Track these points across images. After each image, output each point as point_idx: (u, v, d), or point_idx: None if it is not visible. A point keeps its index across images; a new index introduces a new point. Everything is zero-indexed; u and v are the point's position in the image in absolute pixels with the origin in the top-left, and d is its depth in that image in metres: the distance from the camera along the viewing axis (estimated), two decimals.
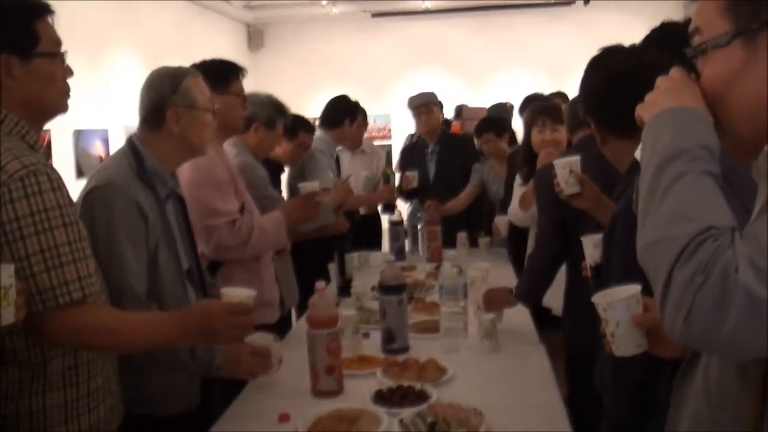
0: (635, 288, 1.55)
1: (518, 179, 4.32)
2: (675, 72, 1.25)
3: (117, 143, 8.33)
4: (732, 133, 1.18)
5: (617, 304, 1.55)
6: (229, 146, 3.44)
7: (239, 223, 3.05)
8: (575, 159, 2.65)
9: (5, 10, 1.89)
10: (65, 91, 2.00)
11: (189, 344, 2.22)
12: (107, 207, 2.26)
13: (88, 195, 2.29)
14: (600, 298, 1.57)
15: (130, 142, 2.47)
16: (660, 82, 1.26)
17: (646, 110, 1.24)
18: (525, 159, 4.13)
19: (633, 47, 2.15)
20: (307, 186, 3.58)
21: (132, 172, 2.36)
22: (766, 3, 1.11)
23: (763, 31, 1.11)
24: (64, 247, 1.80)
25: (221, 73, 3.12)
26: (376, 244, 5.26)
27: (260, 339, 2.52)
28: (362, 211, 5.54)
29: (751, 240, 0.99)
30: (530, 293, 3.12)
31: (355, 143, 5.84)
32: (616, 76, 2.04)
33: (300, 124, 4.52)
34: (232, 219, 3.03)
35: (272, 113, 3.83)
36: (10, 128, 1.87)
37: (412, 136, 7.57)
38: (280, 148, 4.39)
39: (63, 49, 1.99)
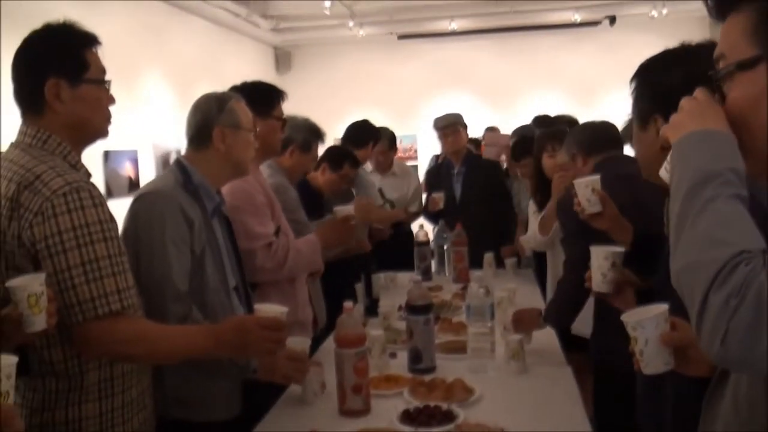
0: (663, 307, 1.57)
1: (532, 206, 4.33)
2: (700, 93, 1.26)
3: (146, 164, 8.42)
4: (757, 155, 1.19)
5: (646, 323, 1.57)
6: (263, 167, 3.48)
7: (275, 245, 3.08)
8: (596, 178, 2.64)
9: (59, 37, 2.01)
10: (108, 117, 2.11)
11: (222, 356, 2.26)
12: (151, 210, 2.39)
13: (134, 203, 2.44)
14: (629, 317, 1.59)
15: (178, 161, 2.61)
16: (684, 103, 1.27)
17: (672, 132, 1.25)
18: (537, 186, 4.14)
19: (710, 43, 1.95)
20: (343, 210, 3.60)
21: (178, 184, 2.49)
22: None
23: None
24: (104, 261, 1.87)
25: (264, 97, 3.19)
26: (406, 264, 5.23)
27: (298, 343, 2.56)
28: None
29: None
30: (560, 317, 3.12)
31: (383, 166, 5.90)
32: (695, 74, 1.78)
33: (345, 157, 4.57)
34: (269, 242, 3.06)
35: (308, 136, 3.90)
36: (53, 148, 1.97)
37: (437, 157, 7.57)
38: (323, 177, 4.43)
39: (107, 77, 2.07)
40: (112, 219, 1.96)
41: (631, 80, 1.99)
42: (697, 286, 1.06)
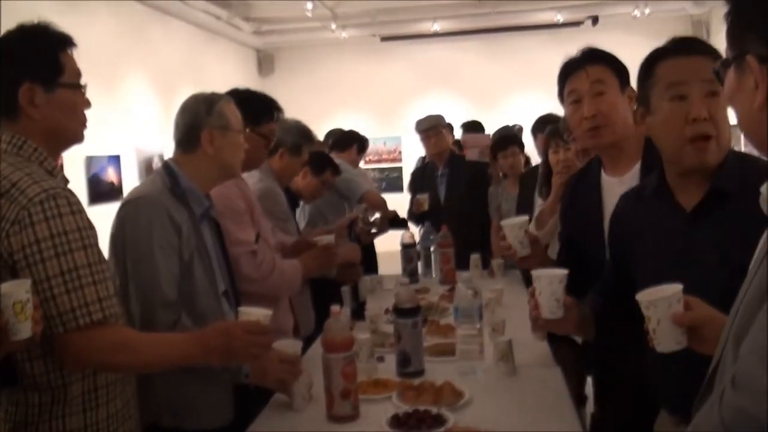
0: (677, 287, 1.63)
1: (538, 199, 4.32)
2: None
3: (129, 169, 8.38)
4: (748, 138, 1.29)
5: (659, 302, 1.63)
6: (253, 171, 3.45)
7: (261, 256, 3.04)
8: (525, 219, 2.63)
9: (32, 40, 1.95)
10: (84, 122, 2.06)
11: (208, 362, 2.22)
12: (138, 216, 2.36)
13: (120, 209, 2.41)
14: (643, 296, 1.66)
15: (165, 164, 2.57)
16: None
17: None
18: (547, 178, 4.15)
19: None
20: (324, 239, 3.56)
21: (166, 189, 2.45)
22: (746, 34, 1.21)
23: (746, 59, 1.20)
24: (84, 269, 1.83)
25: (254, 108, 3.12)
26: (373, 270, 5.28)
27: (289, 346, 2.53)
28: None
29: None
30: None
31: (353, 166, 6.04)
32: None
33: (328, 163, 4.63)
34: (252, 249, 3.02)
35: (298, 139, 3.87)
36: (29, 154, 1.92)
37: (423, 158, 7.59)
38: (303, 181, 4.42)
39: (83, 81, 2.03)
40: (90, 226, 1.91)
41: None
42: None
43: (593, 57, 2.52)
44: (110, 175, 8.03)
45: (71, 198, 1.88)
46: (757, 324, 1.06)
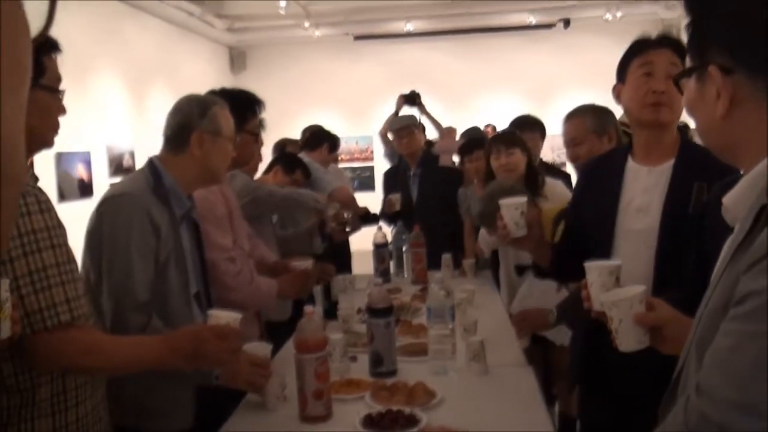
0: (639, 288, 1.68)
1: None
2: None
3: (99, 166, 8.29)
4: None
5: (620, 303, 1.67)
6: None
7: (240, 265, 3.03)
8: (524, 200, 2.65)
9: None
10: (56, 128, 2.01)
11: (178, 366, 2.20)
12: (118, 215, 2.33)
13: (100, 204, 2.37)
14: (606, 297, 1.72)
15: (150, 161, 2.55)
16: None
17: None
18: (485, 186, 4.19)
19: None
20: (300, 265, 3.51)
21: (149, 187, 2.43)
22: (707, 44, 1.23)
23: (708, 69, 1.21)
24: (52, 269, 1.79)
25: (239, 109, 3.11)
26: (347, 269, 5.28)
27: (259, 348, 2.51)
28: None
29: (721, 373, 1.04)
30: (576, 316, 3.11)
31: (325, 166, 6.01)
32: None
33: (298, 165, 4.71)
34: (230, 255, 3.01)
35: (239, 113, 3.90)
36: None
37: (400, 157, 7.61)
38: (275, 179, 4.44)
39: (62, 87, 2.00)
40: (60, 225, 1.88)
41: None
42: None
43: (672, 44, 2.54)
44: (80, 172, 7.95)
45: (40, 196, 1.84)
46: (720, 333, 1.08)
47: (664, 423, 1.18)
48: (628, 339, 1.67)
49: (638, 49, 2.52)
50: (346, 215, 5.22)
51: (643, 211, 2.47)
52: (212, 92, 3.03)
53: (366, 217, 5.55)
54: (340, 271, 4.60)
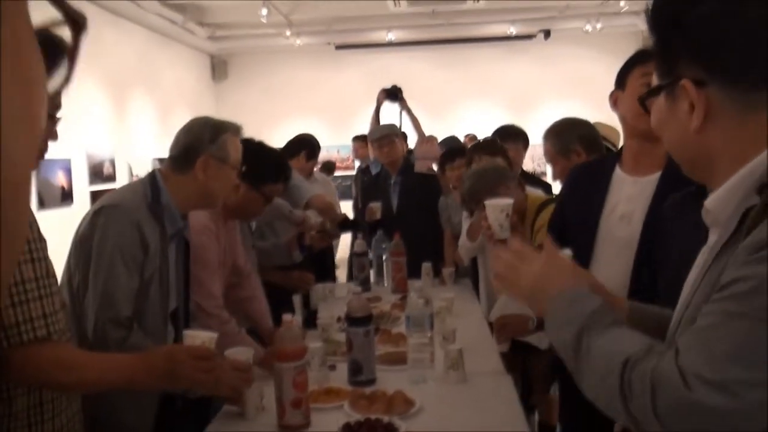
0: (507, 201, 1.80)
1: (465, 213, 4.39)
2: (536, 261, 1.49)
3: (79, 174, 8.24)
4: (680, 163, 1.34)
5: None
6: None
7: (228, 316, 3.05)
8: (510, 202, 2.66)
9: None
10: (44, 152, 2.01)
11: (153, 386, 2.19)
12: (110, 225, 2.33)
13: (95, 213, 2.37)
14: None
15: (152, 175, 2.55)
16: (527, 272, 1.48)
17: (534, 305, 1.49)
18: None
19: None
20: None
21: (144, 202, 2.43)
22: (677, 59, 1.24)
23: (678, 85, 1.23)
24: (30, 283, 1.78)
25: (263, 168, 3.22)
26: (329, 278, 5.25)
27: (241, 353, 2.48)
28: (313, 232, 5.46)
29: (699, 350, 1.08)
30: None
31: (303, 174, 5.97)
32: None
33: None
34: (220, 304, 3.04)
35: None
36: None
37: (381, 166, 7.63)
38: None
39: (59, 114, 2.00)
40: (41, 238, 1.87)
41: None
42: (620, 413, 1.17)
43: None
44: (60, 179, 7.89)
45: None
46: (701, 314, 1.12)
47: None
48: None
49: (641, 58, 2.55)
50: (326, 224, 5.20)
51: (626, 220, 2.50)
52: (247, 142, 3.02)
53: (345, 224, 5.53)
54: (320, 280, 4.60)
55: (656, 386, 1.09)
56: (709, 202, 1.25)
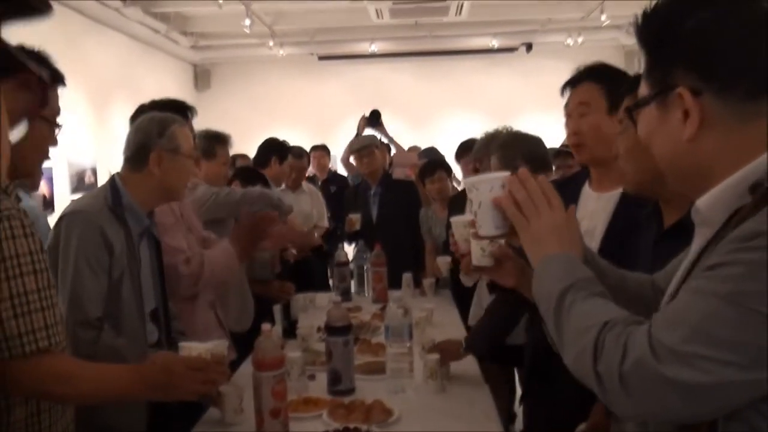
0: (503, 174, 1.65)
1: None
2: (560, 214, 1.49)
3: (61, 182, 8.21)
4: (668, 177, 1.32)
5: (480, 184, 1.65)
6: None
7: (190, 256, 3.08)
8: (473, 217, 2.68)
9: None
10: (46, 158, 2.05)
11: (149, 397, 2.20)
12: (71, 232, 2.38)
13: (58, 222, 2.42)
14: (469, 179, 1.70)
15: (112, 179, 2.59)
16: (549, 218, 1.47)
17: (532, 248, 1.47)
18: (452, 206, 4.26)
19: None
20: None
21: (106, 205, 2.48)
22: (671, 69, 1.24)
23: (672, 94, 1.23)
24: (33, 294, 1.78)
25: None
26: (311, 288, 5.21)
27: (215, 345, 2.30)
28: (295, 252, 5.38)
29: (674, 324, 1.11)
30: (482, 345, 3.15)
31: (295, 183, 5.95)
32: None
33: (257, 178, 4.74)
34: (186, 256, 3.06)
35: (207, 143, 3.99)
36: None
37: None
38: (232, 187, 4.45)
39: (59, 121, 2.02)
40: (42, 249, 1.87)
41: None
42: (586, 370, 1.19)
43: (589, 75, 2.59)
44: (42, 187, 7.85)
45: (24, 220, 1.83)
46: (679, 294, 1.16)
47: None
48: (486, 222, 1.65)
49: (563, 91, 2.64)
50: (292, 251, 5.11)
51: (588, 235, 2.51)
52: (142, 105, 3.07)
53: (318, 251, 5.48)
54: (302, 290, 4.61)
55: (628, 349, 1.12)
56: (701, 201, 1.25)
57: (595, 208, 2.54)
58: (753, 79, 1.18)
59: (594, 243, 2.48)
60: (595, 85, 2.55)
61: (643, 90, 1.32)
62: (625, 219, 2.40)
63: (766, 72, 1.19)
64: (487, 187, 1.63)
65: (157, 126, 2.63)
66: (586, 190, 2.63)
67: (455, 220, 2.68)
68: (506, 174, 1.63)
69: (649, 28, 1.28)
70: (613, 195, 2.51)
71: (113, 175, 2.65)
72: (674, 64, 1.24)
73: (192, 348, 2.15)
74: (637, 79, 2.40)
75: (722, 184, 1.22)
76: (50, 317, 1.83)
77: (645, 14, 1.28)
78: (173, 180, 2.63)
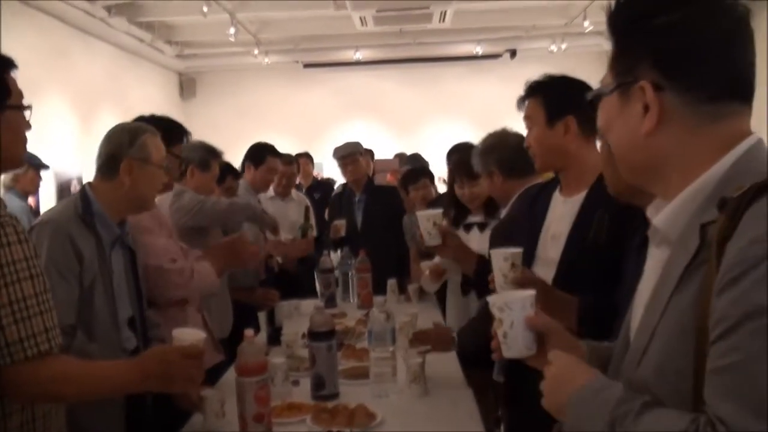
0: (530, 292, 1.61)
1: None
2: (556, 357, 1.39)
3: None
4: (622, 168, 1.34)
5: (513, 304, 1.57)
6: (170, 196, 3.54)
7: (181, 263, 3.10)
8: (438, 212, 2.80)
9: None
10: (25, 143, 2.04)
11: (147, 389, 2.21)
12: (42, 242, 2.36)
13: (29, 231, 2.40)
14: (496, 298, 1.60)
15: (83, 188, 2.60)
16: (547, 371, 1.39)
17: (551, 402, 1.36)
18: (450, 203, 4.23)
19: None
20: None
21: (76, 214, 2.48)
22: (637, 61, 1.24)
23: (634, 85, 1.23)
24: (31, 299, 1.81)
25: (165, 132, 3.14)
26: (297, 295, 5.20)
27: (187, 335, 2.18)
28: (280, 261, 5.32)
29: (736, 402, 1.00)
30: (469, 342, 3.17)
31: (285, 190, 5.94)
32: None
33: (227, 171, 4.75)
34: (173, 257, 3.09)
35: (204, 155, 3.97)
36: None
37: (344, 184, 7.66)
38: (213, 195, 4.45)
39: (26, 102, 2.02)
40: (36, 255, 1.89)
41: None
42: None
43: (530, 91, 2.67)
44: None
45: (18, 227, 1.84)
46: (715, 357, 1.04)
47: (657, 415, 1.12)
48: (517, 343, 1.57)
49: (519, 108, 2.72)
50: (277, 260, 5.14)
51: (556, 240, 2.55)
52: (139, 118, 3.09)
53: (303, 260, 5.51)
54: (287, 297, 4.62)
55: None
56: (659, 221, 1.24)
57: (563, 212, 2.58)
58: (717, 84, 1.19)
59: (561, 247, 2.52)
60: (534, 100, 2.63)
61: (607, 79, 1.32)
62: (587, 221, 2.42)
63: (732, 78, 1.20)
64: (519, 305, 1.57)
65: (128, 135, 2.65)
66: (556, 195, 2.68)
67: (420, 213, 2.78)
68: (533, 292, 1.61)
69: (620, 17, 1.28)
70: (578, 198, 2.54)
71: (84, 184, 2.66)
72: (640, 58, 1.23)
73: (184, 337, 2.14)
74: (582, 87, 2.46)
75: (676, 200, 1.22)
76: (49, 320, 1.85)
77: (618, 2, 1.28)
78: (143, 189, 2.65)
